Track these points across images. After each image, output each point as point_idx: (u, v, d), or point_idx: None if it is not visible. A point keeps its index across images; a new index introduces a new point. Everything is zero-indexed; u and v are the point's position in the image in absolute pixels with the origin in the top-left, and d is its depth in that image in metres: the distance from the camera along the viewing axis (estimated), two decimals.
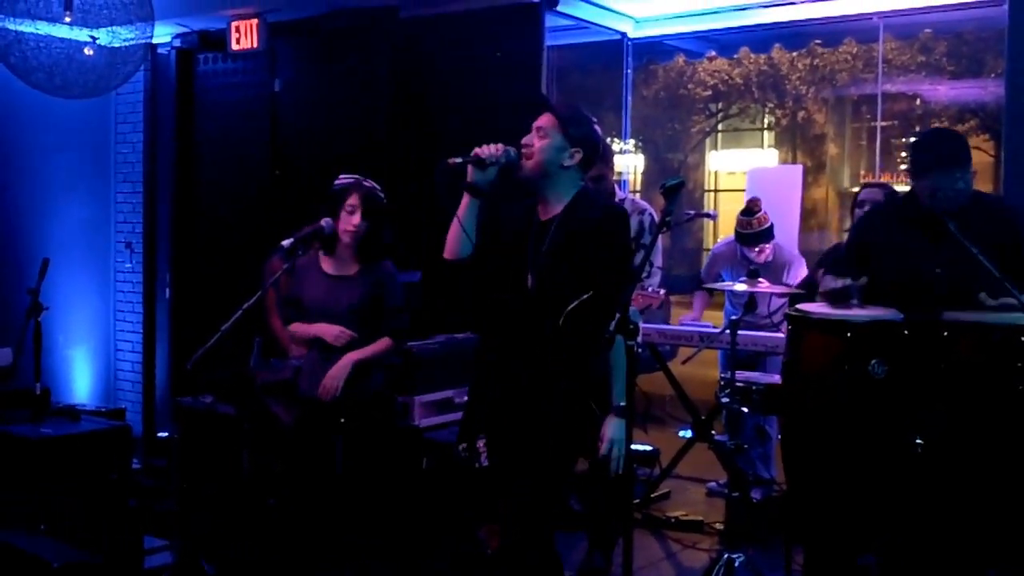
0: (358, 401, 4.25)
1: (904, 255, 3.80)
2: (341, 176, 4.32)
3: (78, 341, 7.95)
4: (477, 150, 3.28)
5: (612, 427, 3.18)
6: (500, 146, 3.29)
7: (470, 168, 3.30)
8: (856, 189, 5.25)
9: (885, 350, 3.59)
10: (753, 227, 5.77)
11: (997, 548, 3.66)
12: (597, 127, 3.37)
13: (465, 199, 3.35)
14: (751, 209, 5.81)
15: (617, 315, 2.92)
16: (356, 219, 4.20)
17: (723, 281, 5.69)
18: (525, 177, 3.33)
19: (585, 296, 3.11)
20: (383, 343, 4.30)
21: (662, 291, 4.82)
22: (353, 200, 4.21)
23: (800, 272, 5.86)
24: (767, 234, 5.78)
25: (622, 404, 3.18)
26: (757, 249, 5.78)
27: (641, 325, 5.07)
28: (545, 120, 3.30)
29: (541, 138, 3.28)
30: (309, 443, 4.32)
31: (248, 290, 4.05)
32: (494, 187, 3.34)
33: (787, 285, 5.52)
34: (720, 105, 17.97)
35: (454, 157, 3.27)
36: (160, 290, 7.80)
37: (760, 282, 4.45)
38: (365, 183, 4.28)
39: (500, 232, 3.40)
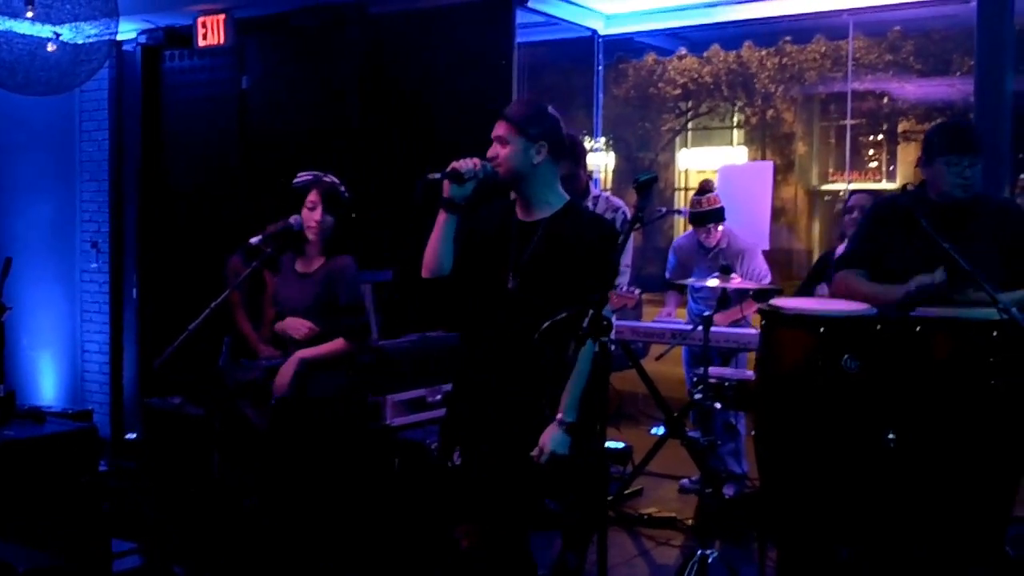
0: (318, 402, 4.20)
1: (910, 251, 3.80)
2: (300, 174, 4.28)
3: (44, 342, 7.85)
4: (455, 164, 3.22)
5: (554, 439, 3.10)
6: (477, 160, 3.24)
7: (447, 183, 3.24)
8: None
9: (858, 345, 3.58)
10: (703, 206, 5.88)
11: (971, 543, 3.67)
12: (553, 113, 3.31)
13: (442, 215, 3.29)
14: (703, 189, 5.96)
15: (590, 312, 2.89)
16: (317, 215, 4.17)
17: (692, 276, 5.72)
18: (503, 183, 3.30)
19: (563, 315, 3.06)
20: (336, 344, 4.21)
21: (637, 291, 4.81)
22: (313, 196, 4.18)
23: (756, 263, 5.93)
24: (717, 215, 5.88)
25: (570, 421, 3.11)
26: (707, 230, 5.87)
27: (614, 322, 5.05)
28: (500, 128, 3.27)
29: (503, 146, 3.25)
30: (277, 444, 4.28)
31: (217, 289, 4.00)
32: (470, 201, 3.29)
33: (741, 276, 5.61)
34: (690, 103, 18.04)
35: (432, 173, 3.22)
36: (127, 290, 7.72)
37: (733, 277, 4.45)
38: (324, 179, 4.25)
39: (478, 236, 3.35)
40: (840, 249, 5.18)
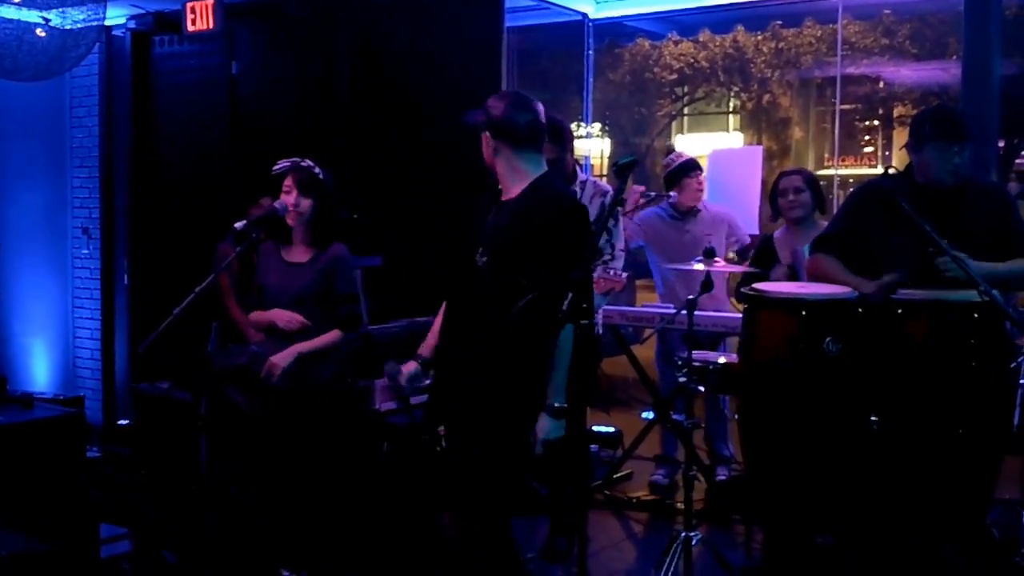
0: (307, 390, 4.22)
1: (893, 235, 3.82)
2: (279, 162, 4.30)
3: (36, 329, 7.85)
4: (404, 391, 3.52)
5: (544, 427, 3.14)
6: (402, 380, 3.48)
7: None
8: (821, 173, 5.31)
9: (839, 328, 3.60)
10: (675, 161, 5.78)
11: (951, 524, 3.68)
12: (495, 101, 3.37)
13: None
14: (668, 151, 5.98)
15: (570, 295, 2.91)
16: (292, 198, 4.20)
17: (663, 253, 5.69)
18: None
19: (530, 296, 3.11)
20: (331, 335, 4.26)
21: (624, 274, 4.80)
22: (288, 181, 4.22)
23: (741, 232, 5.88)
24: (693, 164, 5.78)
25: (557, 405, 3.13)
26: (690, 183, 5.73)
27: (603, 307, 5.05)
28: None
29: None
30: (271, 433, 4.29)
31: (207, 275, 4.01)
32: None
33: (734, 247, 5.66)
34: (686, 89, 18.02)
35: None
36: (119, 276, 7.71)
37: (716, 261, 4.45)
38: (301, 163, 4.27)
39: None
40: (778, 233, 5.20)
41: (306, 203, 4.20)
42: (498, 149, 3.35)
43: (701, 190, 5.80)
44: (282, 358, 4.18)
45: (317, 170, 4.27)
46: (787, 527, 3.98)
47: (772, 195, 5.22)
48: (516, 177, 3.35)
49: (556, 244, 3.17)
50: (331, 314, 4.27)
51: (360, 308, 4.35)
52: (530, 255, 3.18)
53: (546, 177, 3.37)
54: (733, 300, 5.40)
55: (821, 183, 5.42)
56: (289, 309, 4.24)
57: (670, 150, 5.95)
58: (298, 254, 4.30)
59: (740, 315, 5.00)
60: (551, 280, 3.06)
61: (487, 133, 3.35)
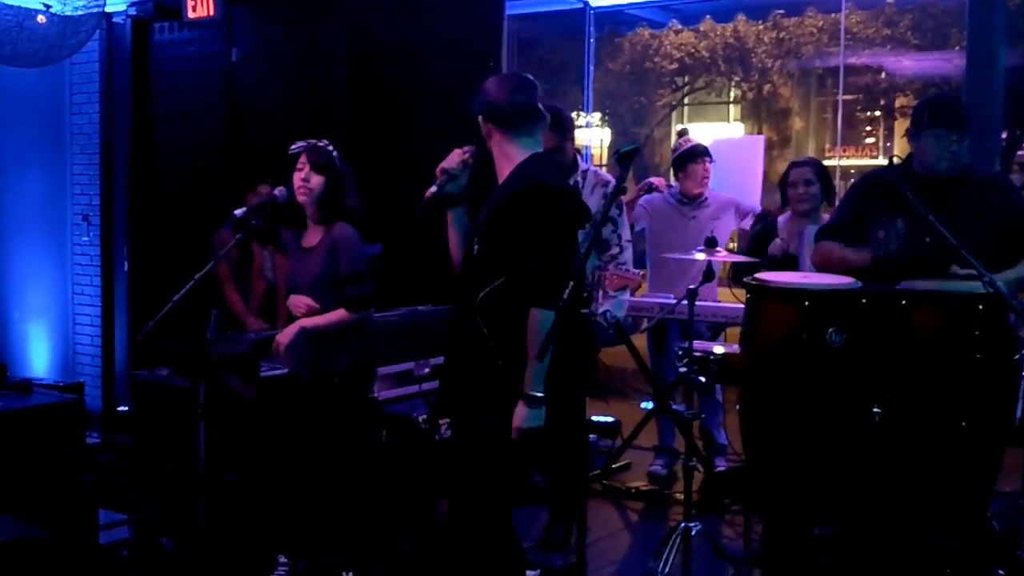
0: (328, 377, 4.19)
1: (895, 224, 3.81)
2: (296, 143, 4.27)
3: (35, 316, 7.83)
4: (443, 165, 3.32)
5: (520, 416, 3.09)
6: (460, 151, 3.33)
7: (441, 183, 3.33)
8: (823, 163, 5.27)
9: (843, 319, 3.59)
10: (684, 146, 5.72)
11: (952, 516, 3.68)
12: (489, 84, 3.32)
13: (448, 214, 3.41)
14: (681, 134, 5.89)
15: (570, 284, 2.90)
16: (303, 174, 4.15)
17: (665, 241, 5.65)
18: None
19: (498, 282, 3.11)
20: (337, 314, 4.15)
21: (639, 272, 4.78)
22: (302, 159, 4.18)
23: (747, 206, 5.87)
24: (701, 149, 5.71)
25: (537, 394, 3.07)
26: (697, 171, 5.67)
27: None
28: None
29: None
30: (278, 418, 4.28)
31: (206, 262, 4.00)
32: (468, 188, 3.37)
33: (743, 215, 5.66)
34: (686, 78, 17.99)
35: (430, 190, 3.32)
36: (119, 263, 7.69)
37: (718, 251, 4.44)
38: (318, 144, 4.24)
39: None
40: (783, 218, 5.20)
41: (317, 180, 4.16)
42: (490, 132, 3.30)
43: (707, 177, 5.73)
44: (285, 335, 4.13)
45: (332, 149, 4.25)
46: (787, 518, 3.97)
47: (782, 184, 5.22)
48: (505, 161, 3.28)
49: (519, 226, 3.10)
50: (337, 295, 4.21)
51: (367, 288, 4.24)
52: (507, 242, 3.13)
53: (531, 160, 3.26)
54: (729, 289, 5.38)
55: None
56: (305, 295, 4.20)
57: (683, 134, 5.85)
58: (311, 237, 4.26)
59: (739, 305, 5.01)
60: (527, 267, 3.04)
61: (480, 116, 3.30)
